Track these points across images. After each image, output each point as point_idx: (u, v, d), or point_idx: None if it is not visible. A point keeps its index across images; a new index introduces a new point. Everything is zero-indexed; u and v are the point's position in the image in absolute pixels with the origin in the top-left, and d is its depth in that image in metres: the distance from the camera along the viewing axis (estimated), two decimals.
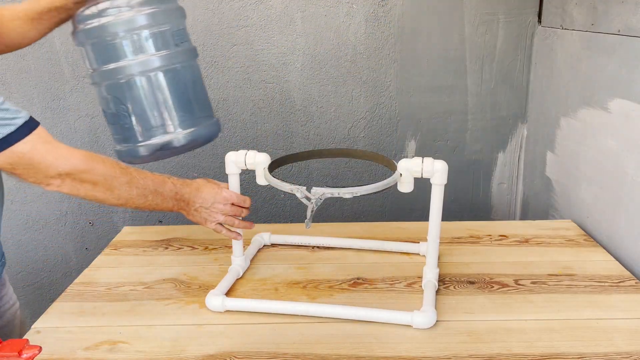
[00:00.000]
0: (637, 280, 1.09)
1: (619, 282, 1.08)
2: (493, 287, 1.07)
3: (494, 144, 1.73)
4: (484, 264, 1.16)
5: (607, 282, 1.08)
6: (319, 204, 0.94)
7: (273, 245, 1.27)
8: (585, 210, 1.36)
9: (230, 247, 1.26)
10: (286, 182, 0.96)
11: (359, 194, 0.93)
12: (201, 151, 1.71)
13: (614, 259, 1.18)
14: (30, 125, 0.83)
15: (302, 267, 1.17)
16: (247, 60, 1.63)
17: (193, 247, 1.27)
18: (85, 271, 1.17)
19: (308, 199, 0.94)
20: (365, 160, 1.16)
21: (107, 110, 1.02)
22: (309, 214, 0.95)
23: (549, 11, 1.55)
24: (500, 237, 1.29)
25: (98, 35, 0.96)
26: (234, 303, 1.01)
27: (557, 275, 1.11)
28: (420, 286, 1.08)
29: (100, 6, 0.95)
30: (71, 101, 1.67)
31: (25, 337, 0.93)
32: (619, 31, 1.20)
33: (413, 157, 1.00)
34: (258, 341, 0.92)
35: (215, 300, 1.00)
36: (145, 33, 0.96)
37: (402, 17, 1.61)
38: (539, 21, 1.60)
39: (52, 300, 1.06)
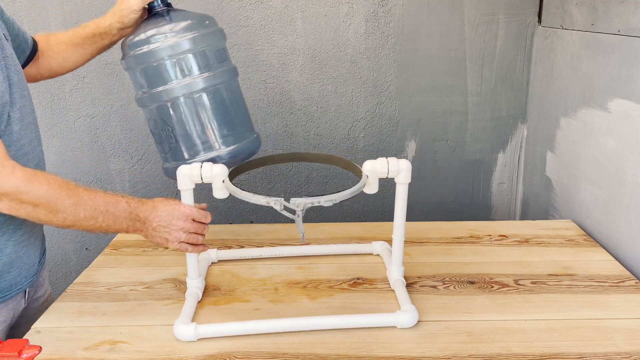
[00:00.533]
0: (637, 280, 1.09)
1: (619, 282, 1.08)
2: (493, 287, 1.07)
3: (494, 144, 1.73)
4: (484, 264, 1.17)
5: (607, 282, 1.08)
6: (303, 214, 0.91)
7: (220, 261, 1.22)
8: (585, 210, 1.36)
9: (230, 246, 1.26)
10: (260, 194, 0.92)
11: (337, 201, 0.91)
12: None
13: (614, 259, 1.18)
14: None
15: (302, 267, 1.17)
16: (247, 60, 1.63)
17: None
18: (85, 271, 1.17)
19: (288, 210, 0.91)
20: (321, 163, 1.14)
21: (155, 130, 1.06)
22: (300, 227, 0.92)
23: (549, 11, 1.55)
24: (500, 237, 1.29)
25: (146, 60, 1.00)
26: (207, 329, 0.93)
27: (557, 275, 1.12)
28: (420, 286, 1.08)
29: (148, 33, 1.00)
30: (71, 101, 1.67)
31: (25, 337, 0.93)
32: (619, 31, 1.20)
33: (377, 158, 1.00)
34: (258, 341, 0.92)
35: (186, 329, 0.92)
36: (189, 56, 1.00)
37: (402, 17, 1.61)
38: (539, 21, 1.60)
39: (52, 300, 1.06)
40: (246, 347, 0.90)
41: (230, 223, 1.79)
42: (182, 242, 0.99)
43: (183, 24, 1.03)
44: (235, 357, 0.87)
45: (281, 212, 0.91)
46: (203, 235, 1.01)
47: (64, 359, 0.88)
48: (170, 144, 1.04)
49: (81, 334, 0.94)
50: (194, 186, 1.01)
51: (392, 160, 0.99)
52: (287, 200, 0.90)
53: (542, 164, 1.60)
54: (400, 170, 0.99)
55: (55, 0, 1.58)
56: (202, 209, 1.03)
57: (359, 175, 1.00)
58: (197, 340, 0.92)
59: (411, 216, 1.79)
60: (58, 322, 0.98)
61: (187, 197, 1.01)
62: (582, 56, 1.36)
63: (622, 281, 1.08)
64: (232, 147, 1.04)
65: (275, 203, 0.90)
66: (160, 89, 1.01)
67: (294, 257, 1.21)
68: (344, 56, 1.64)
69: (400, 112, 1.69)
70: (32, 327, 0.96)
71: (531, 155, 1.69)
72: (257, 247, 1.26)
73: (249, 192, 0.94)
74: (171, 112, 1.02)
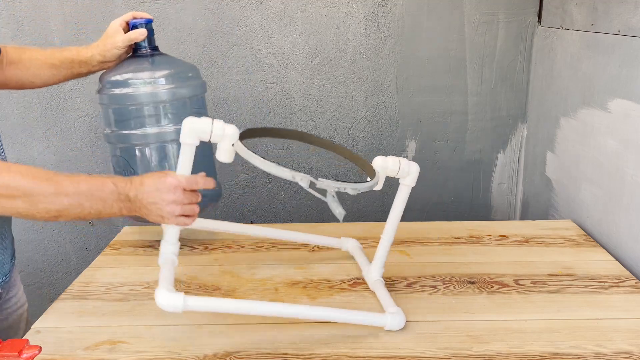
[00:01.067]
0: (637, 280, 1.09)
1: (619, 282, 1.08)
2: (493, 287, 1.07)
3: (494, 144, 1.73)
4: (484, 264, 1.16)
5: (607, 282, 1.08)
6: (335, 196, 0.86)
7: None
8: (585, 210, 1.36)
9: (230, 246, 1.27)
10: (285, 166, 0.84)
11: (360, 191, 0.88)
12: None
13: (614, 259, 1.18)
14: None
15: (302, 267, 1.17)
16: (247, 60, 1.63)
17: (193, 247, 1.27)
18: (85, 271, 1.17)
19: (314, 188, 0.84)
20: (343, 157, 1.06)
21: (117, 169, 1.06)
22: (337, 209, 0.86)
23: (549, 11, 1.55)
24: (500, 237, 1.29)
25: (120, 101, 1.00)
26: (196, 302, 0.88)
27: (557, 275, 1.11)
28: (420, 286, 1.08)
29: (127, 75, 1.00)
30: (71, 101, 1.67)
31: (25, 337, 0.93)
32: (619, 31, 1.20)
33: (387, 156, 0.98)
34: (258, 341, 0.92)
35: (173, 298, 0.85)
36: (166, 106, 1.00)
37: (402, 17, 1.61)
38: (539, 21, 1.60)
39: (52, 300, 1.06)
40: (246, 347, 0.90)
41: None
42: (178, 216, 0.89)
43: (165, 72, 1.02)
44: (235, 357, 0.87)
45: (307, 189, 0.84)
46: (197, 204, 0.91)
47: (64, 359, 0.88)
48: None
49: (81, 334, 0.94)
50: (197, 143, 0.90)
51: (404, 160, 0.98)
52: (315, 178, 0.84)
53: (542, 164, 1.60)
54: (409, 172, 0.98)
55: (55, 0, 1.58)
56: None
57: (363, 168, 0.98)
58: (199, 338, 0.92)
59: (411, 216, 1.80)
60: (58, 322, 0.98)
61: (187, 153, 0.90)
62: (582, 56, 1.36)
63: (622, 281, 1.08)
64: None
65: (302, 179, 0.83)
66: (130, 132, 1.00)
67: (294, 258, 1.21)
68: (344, 56, 1.64)
69: (400, 112, 1.69)
70: (32, 327, 0.96)
71: (531, 155, 1.69)
72: (257, 246, 1.26)
73: (271, 161, 0.84)
74: (137, 155, 1.01)
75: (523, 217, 1.76)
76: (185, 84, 1.05)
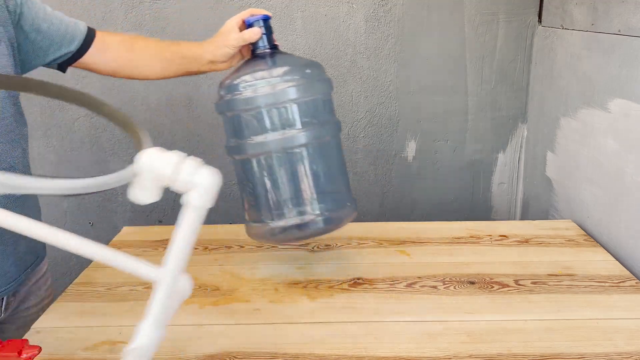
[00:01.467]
0: (638, 281, 1.09)
1: (619, 282, 1.08)
2: (493, 287, 1.07)
3: (494, 144, 1.73)
4: (484, 264, 1.16)
5: (608, 282, 1.08)
6: None
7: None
8: (585, 210, 1.36)
9: (230, 247, 1.26)
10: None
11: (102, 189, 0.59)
12: (201, 151, 1.71)
13: (614, 259, 1.18)
14: None
15: (302, 267, 1.17)
16: None
17: (193, 247, 1.26)
18: (85, 271, 1.17)
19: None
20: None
21: (243, 184, 0.97)
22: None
23: (549, 11, 1.55)
24: (500, 237, 1.29)
25: (239, 107, 0.91)
26: None
27: (557, 275, 1.11)
28: (420, 286, 1.08)
29: (245, 77, 0.91)
30: None
31: (25, 337, 0.93)
32: (619, 31, 1.20)
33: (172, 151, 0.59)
34: (258, 341, 0.92)
35: None
36: (289, 108, 0.90)
37: (402, 17, 1.61)
38: (539, 21, 1.60)
39: (52, 301, 1.06)
40: (246, 347, 0.90)
41: (230, 223, 1.78)
42: None
43: (286, 69, 0.91)
44: (235, 357, 0.87)
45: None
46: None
47: (64, 359, 0.88)
48: (257, 202, 0.94)
49: (81, 334, 0.94)
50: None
51: (189, 163, 0.57)
52: None
53: (542, 164, 1.60)
54: (195, 183, 0.57)
55: (55, 1, 1.58)
56: None
57: (136, 146, 0.63)
58: (199, 338, 0.92)
59: (411, 216, 1.80)
60: (58, 322, 0.98)
61: None
62: (582, 56, 1.36)
63: (623, 281, 1.08)
64: (325, 213, 0.92)
65: None
66: (251, 140, 0.91)
67: (294, 258, 1.21)
68: (344, 56, 1.64)
69: (400, 112, 1.69)
70: (32, 327, 0.96)
71: (531, 155, 1.69)
72: (257, 246, 1.26)
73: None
74: (263, 167, 0.92)
75: (523, 217, 1.76)
76: (309, 80, 0.93)
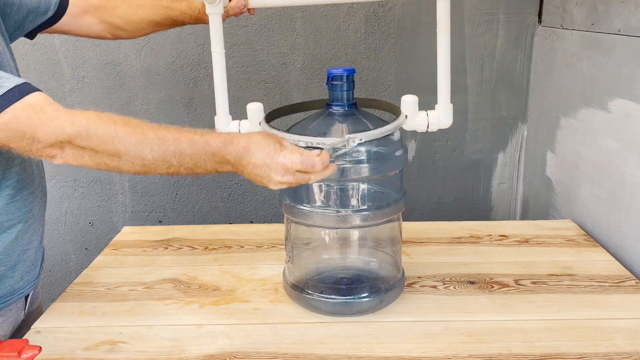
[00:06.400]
0: (638, 280, 1.09)
1: (619, 282, 1.08)
2: (493, 287, 1.07)
3: (494, 144, 1.73)
4: (484, 264, 1.16)
5: (608, 282, 1.08)
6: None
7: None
8: (585, 210, 1.36)
9: (230, 246, 1.26)
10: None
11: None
12: None
13: (614, 259, 1.17)
14: (13, 95, 0.74)
15: None
16: (247, 60, 1.63)
17: (193, 247, 1.27)
18: (85, 271, 1.17)
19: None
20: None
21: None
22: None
23: (549, 11, 1.55)
24: (500, 237, 1.29)
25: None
26: None
27: (557, 275, 1.11)
28: (420, 286, 1.07)
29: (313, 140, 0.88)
30: (71, 101, 1.67)
31: (25, 337, 0.93)
32: (619, 31, 1.20)
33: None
34: (258, 341, 0.92)
35: None
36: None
37: (402, 17, 1.61)
38: (539, 21, 1.60)
39: (52, 300, 1.06)
40: (246, 347, 0.90)
41: (230, 223, 1.79)
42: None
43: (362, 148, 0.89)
44: (235, 357, 0.87)
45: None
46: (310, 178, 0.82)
47: (64, 359, 0.88)
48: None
49: (81, 334, 0.94)
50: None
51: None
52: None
53: (542, 164, 1.60)
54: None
55: None
56: (314, 155, 0.81)
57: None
58: (199, 338, 0.92)
59: (411, 216, 1.80)
60: (58, 322, 0.98)
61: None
62: (582, 56, 1.36)
63: (623, 281, 1.08)
64: None
65: (350, 140, 0.81)
66: (300, 207, 0.93)
67: None
68: (344, 56, 1.64)
69: None
70: (32, 327, 0.96)
71: (531, 155, 1.69)
72: (257, 246, 1.26)
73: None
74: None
75: (523, 217, 1.76)
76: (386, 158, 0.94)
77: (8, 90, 0.74)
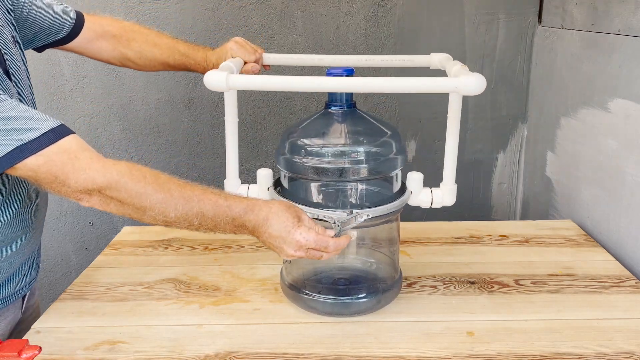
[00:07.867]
0: (638, 280, 1.09)
1: (619, 282, 1.08)
2: (493, 287, 1.07)
3: (494, 144, 1.73)
4: (484, 264, 1.16)
5: (608, 282, 1.08)
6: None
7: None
8: (585, 210, 1.36)
9: (230, 246, 1.26)
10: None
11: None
12: (201, 151, 1.71)
13: (614, 259, 1.17)
14: (48, 138, 0.76)
15: None
16: None
17: (193, 247, 1.27)
18: (85, 271, 1.17)
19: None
20: None
21: None
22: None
23: (549, 11, 1.55)
24: (500, 237, 1.29)
25: (293, 170, 0.96)
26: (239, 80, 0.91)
27: (557, 275, 1.11)
28: (420, 286, 1.07)
29: (311, 142, 0.95)
30: (71, 101, 1.67)
31: (25, 337, 0.93)
32: (619, 31, 1.20)
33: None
34: (258, 341, 0.92)
35: (217, 76, 0.88)
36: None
37: (402, 17, 1.61)
38: (539, 21, 1.60)
39: (52, 300, 1.06)
40: (246, 347, 0.90)
41: None
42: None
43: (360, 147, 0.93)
44: (235, 357, 0.87)
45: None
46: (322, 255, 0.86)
47: (64, 359, 0.88)
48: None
49: (81, 334, 0.94)
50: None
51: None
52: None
53: (542, 164, 1.60)
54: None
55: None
56: (328, 236, 0.85)
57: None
58: (199, 338, 0.92)
59: (411, 216, 1.79)
60: (58, 322, 0.98)
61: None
62: (582, 56, 1.36)
63: (623, 281, 1.08)
64: None
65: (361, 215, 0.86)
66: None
67: None
68: None
69: (400, 112, 1.69)
70: (32, 327, 0.96)
71: (531, 155, 1.69)
72: (257, 246, 1.26)
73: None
74: None
75: (523, 217, 1.76)
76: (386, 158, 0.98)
77: (44, 133, 0.76)
